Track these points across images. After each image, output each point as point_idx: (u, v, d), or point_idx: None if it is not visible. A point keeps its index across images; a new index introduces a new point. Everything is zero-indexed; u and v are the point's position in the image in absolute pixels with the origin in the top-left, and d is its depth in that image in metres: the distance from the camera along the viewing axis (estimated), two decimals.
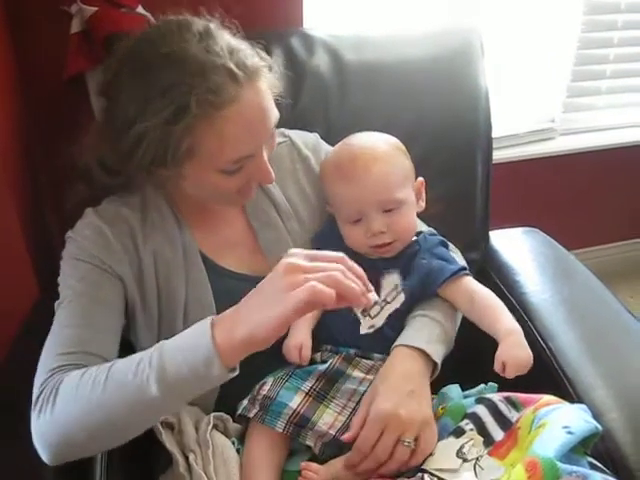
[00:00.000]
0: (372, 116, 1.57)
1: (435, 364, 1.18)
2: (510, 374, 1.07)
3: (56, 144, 1.21)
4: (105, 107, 1.16)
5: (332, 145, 1.40)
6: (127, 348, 1.16)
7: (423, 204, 1.30)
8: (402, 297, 1.22)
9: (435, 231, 1.34)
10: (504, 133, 2.47)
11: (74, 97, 1.57)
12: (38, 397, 1.00)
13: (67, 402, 0.97)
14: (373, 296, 0.94)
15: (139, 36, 1.11)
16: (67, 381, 0.99)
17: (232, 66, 1.04)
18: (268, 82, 1.12)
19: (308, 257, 0.92)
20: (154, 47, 1.06)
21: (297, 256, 0.92)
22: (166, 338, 1.16)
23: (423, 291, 1.23)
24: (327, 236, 1.30)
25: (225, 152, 1.07)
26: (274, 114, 1.12)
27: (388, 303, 1.22)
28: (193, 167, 1.10)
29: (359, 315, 1.20)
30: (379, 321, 1.20)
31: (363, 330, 1.19)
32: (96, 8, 1.49)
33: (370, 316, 1.19)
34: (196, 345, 0.92)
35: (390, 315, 1.21)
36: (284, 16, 1.74)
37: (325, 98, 1.56)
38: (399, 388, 1.12)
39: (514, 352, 1.09)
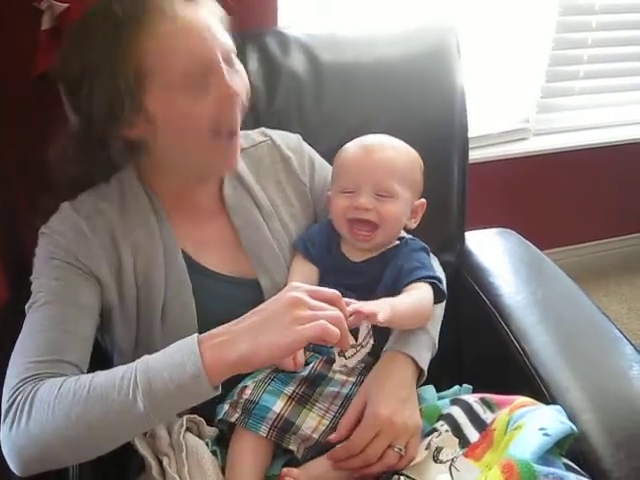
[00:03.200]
0: (348, 116, 1.56)
1: (421, 371, 1.19)
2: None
3: (27, 142, 1.19)
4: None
5: (311, 146, 1.40)
6: (98, 351, 1.14)
7: (414, 224, 1.31)
8: (372, 342, 1.21)
9: (417, 239, 1.34)
10: (478, 133, 2.47)
11: (45, 94, 1.55)
12: (10, 407, 0.97)
13: (44, 415, 0.94)
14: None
15: None
16: (43, 392, 0.96)
17: None
18: (208, 7, 1.11)
19: (310, 293, 0.96)
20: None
21: (300, 291, 0.95)
22: (144, 338, 1.16)
23: (393, 290, 1.22)
24: (314, 240, 1.29)
25: (168, 63, 1.04)
26: (224, 35, 1.11)
27: (363, 347, 1.21)
28: (153, 97, 1.07)
29: (335, 353, 1.19)
30: (352, 362, 1.19)
31: (336, 367, 1.18)
32: (67, 5, 1.47)
33: (345, 357, 1.19)
34: (183, 362, 0.91)
35: (362, 359, 1.20)
36: (258, 15, 1.73)
37: (301, 98, 1.55)
38: (395, 394, 1.12)
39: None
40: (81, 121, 1.13)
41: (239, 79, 1.13)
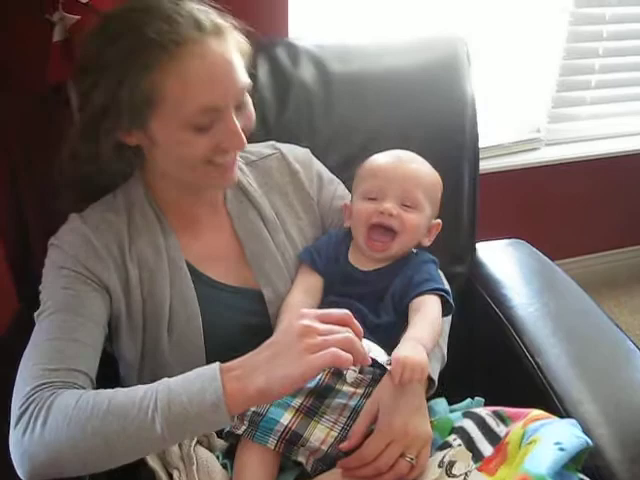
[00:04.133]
0: (358, 127, 1.56)
1: (431, 381, 1.18)
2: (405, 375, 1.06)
3: (38, 152, 1.19)
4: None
5: (319, 158, 1.39)
6: (105, 359, 1.14)
7: (428, 242, 1.32)
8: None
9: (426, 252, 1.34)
10: (489, 143, 2.47)
11: (56, 105, 1.55)
12: (23, 413, 0.96)
13: (60, 424, 0.94)
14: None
15: None
16: (61, 402, 0.96)
17: (200, 16, 1.05)
18: (236, 42, 1.11)
19: (319, 318, 0.96)
20: (122, 8, 1.08)
21: (309, 317, 0.95)
22: (150, 349, 1.16)
23: (401, 300, 1.23)
24: (320, 250, 1.30)
25: (188, 98, 1.04)
26: (243, 74, 1.11)
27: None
28: (157, 122, 1.07)
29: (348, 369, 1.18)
30: (365, 374, 1.19)
31: (349, 379, 1.17)
32: (78, 16, 1.47)
33: (356, 371, 1.18)
34: (204, 389, 0.91)
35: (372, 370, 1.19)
36: (269, 26, 1.73)
37: (311, 109, 1.55)
38: (408, 403, 1.11)
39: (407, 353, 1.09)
40: (78, 112, 1.15)
41: (245, 119, 1.15)
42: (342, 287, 1.26)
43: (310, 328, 0.93)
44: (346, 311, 0.98)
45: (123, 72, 1.03)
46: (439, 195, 1.30)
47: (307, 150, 1.41)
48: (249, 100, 1.15)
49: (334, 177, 1.41)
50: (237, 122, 1.10)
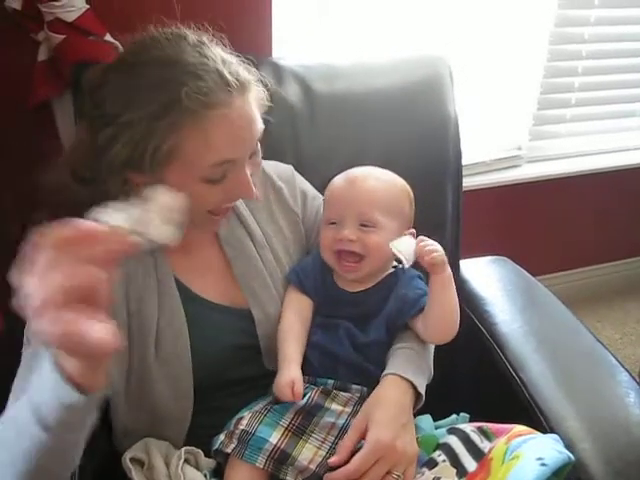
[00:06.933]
0: (342, 146, 1.57)
1: (418, 396, 1.19)
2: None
3: (23, 170, 1.18)
4: (87, 114, 1.12)
5: (306, 176, 1.40)
6: None
7: None
8: None
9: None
10: (471, 161, 2.48)
11: (40, 123, 1.56)
12: None
13: None
14: None
15: (131, 41, 1.10)
16: None
17: (225, 73, 1.04)
18: (256, 95, 1.12)
19: None
20: (146, 49, 1.05)
21: None
22: (136, 366, 1.14)
23: (397, 319, 1.23)
24: (307, 272, 1.29)
25: (209, 155, 1.05)
26: (260, 126, 1.12)
27: None
28: (173, 173, 1.06)
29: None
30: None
31: None
32: (64, 36, 1.48)
33: None
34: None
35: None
36: (253, 45, 1.74)
37: (295, 128, 1.56)
38: (396, 419, 1.12)
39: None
40: (90, 152, 1.10)
41: (254, 166, 1.16)
42: (331, 308, 1.26)
43: None
44: None
45: (149, 130, 1.02)
46: (406, 206, 1.27)
47: (290, 167, 1.41)
48: (259, 148, 1.16)
49: (318, 193, 1.40)
50: (248, 172, 1.12)
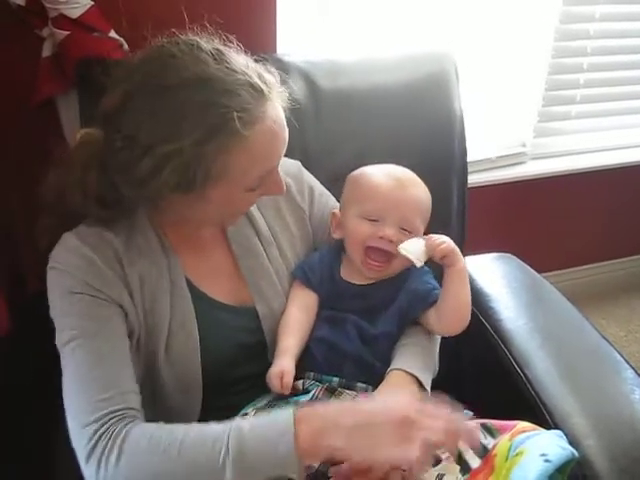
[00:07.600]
0: (347, 142, 1.57)
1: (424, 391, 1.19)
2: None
3: (28, 169, 1.18)
4: (106, 137, 1.09)
5: (311, 172, 1.40)
6: None
7: None
8: None
9: None
10: (476, 157, 2.48)
11: (45, 121, 1.56)
12: (93, 448, 0.97)
13: (134, 462, 0.96)
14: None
15: (143, 59, 1.07)
16: (132, 440, 0.97)
17: (254, 81, 1.05)
18: (279, 93, 1.12)
19: (423, 412, 0.96)
20: (171, 70, 1.03)
21: (414, 410, 0.96)
22: (147, 368, 1.15)
23: (409, 313, 1.25)
24: (313, 267, 1.30)
25: (254, 170, 1.08)
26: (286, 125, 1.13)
27: None
28: (219, 188, 1.07)
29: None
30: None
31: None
32: (68, 32, 1.48)
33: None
34: (277, 441, 0.93)
35: None
36: (258, 42, 1.74)
37: (300, 124, 1.55)
38: None
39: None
40: (116, 174, 1.10)
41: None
42: (337, 301, 1.26)
43: (411, 421, 0.94)
44: (450, 413, 0.98)
45: (197, 156, 1.02)
46: (429, 214, 1.30)
47: (298, 163, 1.41)
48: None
49: (325, 190, 1.41)
50: (280, 172, 1.16)
